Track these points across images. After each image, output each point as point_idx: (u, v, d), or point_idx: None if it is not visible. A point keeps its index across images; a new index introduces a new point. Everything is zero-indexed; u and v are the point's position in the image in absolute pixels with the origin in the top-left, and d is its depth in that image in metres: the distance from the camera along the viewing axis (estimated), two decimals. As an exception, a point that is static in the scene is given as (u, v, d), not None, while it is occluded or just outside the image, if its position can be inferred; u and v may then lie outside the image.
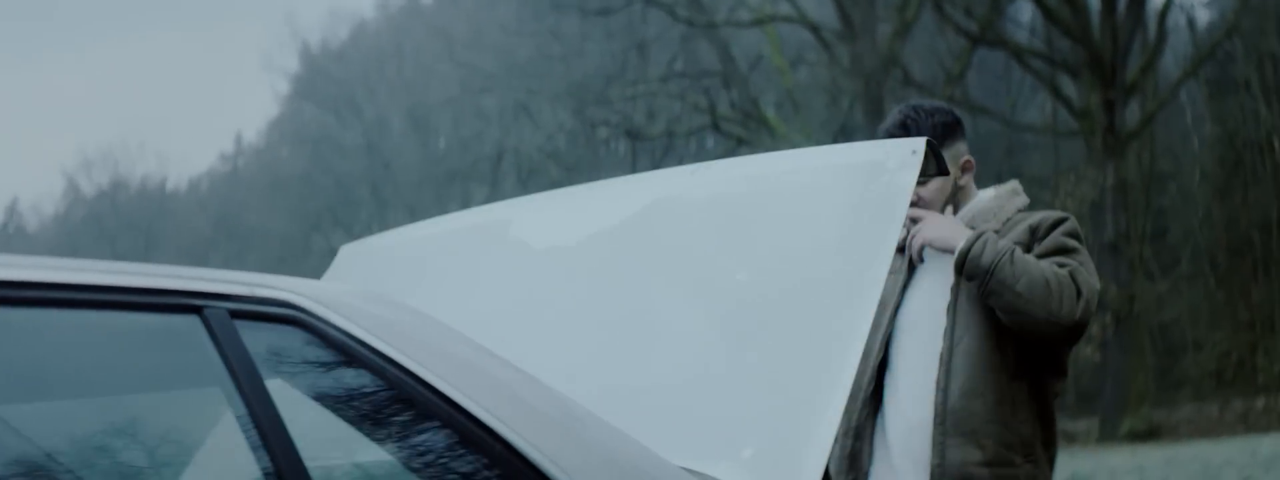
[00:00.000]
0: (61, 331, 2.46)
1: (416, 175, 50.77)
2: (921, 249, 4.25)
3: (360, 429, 2.66)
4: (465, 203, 38.55)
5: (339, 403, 2.69)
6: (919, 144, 3.15)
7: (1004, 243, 4.07)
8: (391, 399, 2.63)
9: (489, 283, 3.65)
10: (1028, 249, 4.14)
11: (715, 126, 38.13)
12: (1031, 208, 4.39)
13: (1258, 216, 29.98)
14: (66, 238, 62.39)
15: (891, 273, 4.25)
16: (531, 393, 2.77)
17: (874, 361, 4.24)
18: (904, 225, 4.24)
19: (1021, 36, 35.12)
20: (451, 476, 2.59)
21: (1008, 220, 4.30)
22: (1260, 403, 28.16)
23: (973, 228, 4.21)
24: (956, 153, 4.33)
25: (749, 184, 3.37)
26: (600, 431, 2.78)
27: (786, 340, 3.01)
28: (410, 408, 2.62)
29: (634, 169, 30.69)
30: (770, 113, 37.54)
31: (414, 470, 2.61)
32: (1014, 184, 4.46)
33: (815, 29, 35.86)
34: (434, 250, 3.93)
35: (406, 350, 2.65)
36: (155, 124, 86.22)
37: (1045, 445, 4.26)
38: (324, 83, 57.90)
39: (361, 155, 54.10)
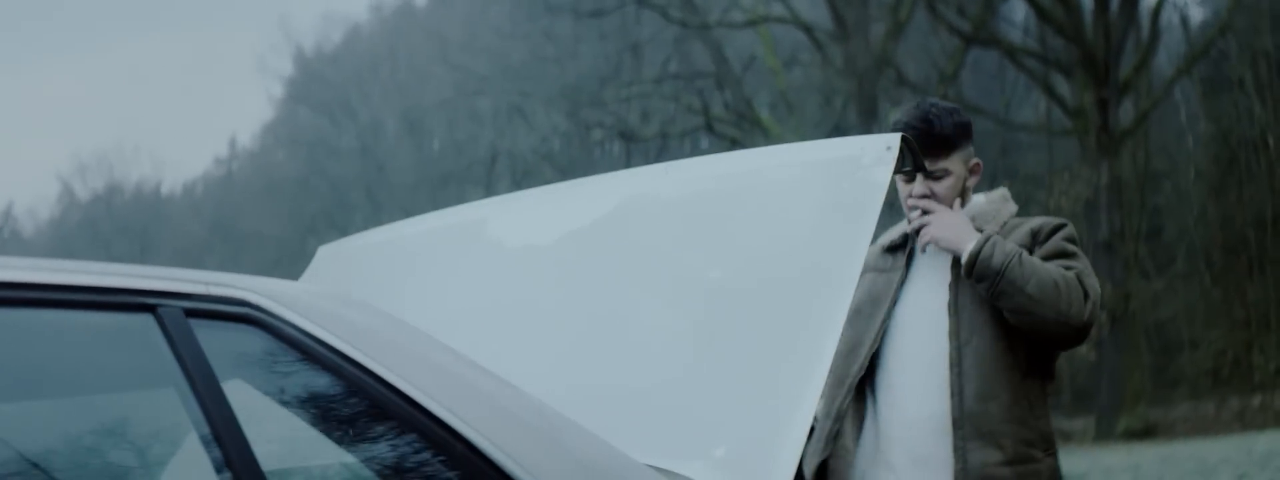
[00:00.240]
0: (9, 331, 2.41)
1: (411, 178, 50.78)
2: (927, 243, 4.28)
3: (319, 431, 2.62)
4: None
5: (297, 404, 2.65)
6: (894, 140, 3.14)
7: (1011, 245, 4.12)
8: (352, 400, 2.59)
9: (464, 282, 3.64)
10: (1029, 252, 4.20)
11: (709, 128, 38.09)
12: (1026, 208, 4.45)
13: (1253, 214, 29.96)
14: (61, 242, 62.39)
15: (889, 270, 4.38)
16: (496, 392, 2.73)
17: (867, 352, 4.28)
18: (910, 218, 4.31)
19: (1015, 36, 35.10)
20: (413, 479, 2.54)
21: (1005, 224, 4.36)
22: (1256, 401, 28.14)
23: (980, 229, 4.25)
24: (967, 155, 4.37)
25: (723, 181, 3.34)
26: (566, 431, 2.75)
27: (759, 338, 2.99)
28: (371, 409, 2.58)
29: (628, 170, 30.67)
30: (764, 114, 37.54)
31: (375, 472, 2.57)
32: (1003, 191, 4.52)
33: (808, 30, 35.83)
34: (411, 250, 3.92)
35: (367, 350, 2.61)
36: (150, 128, 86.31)
37: None
38: (318, 86, 57.95)
39: (356, 158, 54.14)
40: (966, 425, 4.13)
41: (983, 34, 33.25)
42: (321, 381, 2.59)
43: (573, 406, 2.89)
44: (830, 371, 4.33)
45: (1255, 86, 30.69)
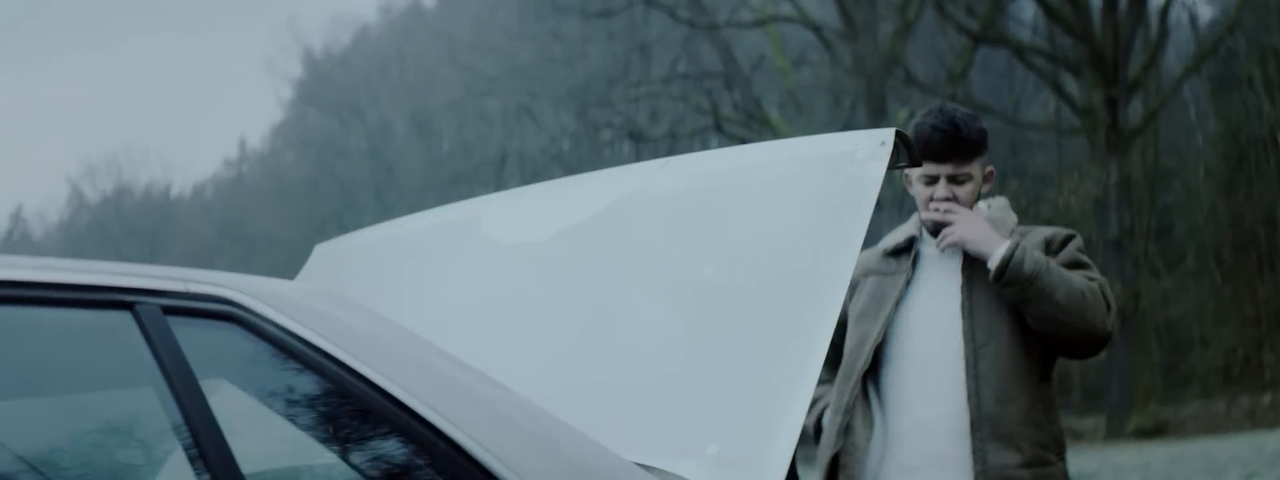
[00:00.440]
0: (-15, 329, 2.37)
1: (420, 179, 50.81)
2: (951, 244, 4.29)
3: (301, 431, 2.58)
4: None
5: (279, 404, 2.61)
6: (888, 135, 3.10)
7: (1037, 252, 4.19)
8: (335, 400, 2.55)
9: (458, 280, 3.62)
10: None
11: (718, 128, 38.08)
12: (1036, 207, 4.53)
13: (1263, 212, 29.97)
14: (71, 244, 62.51)
15: (894, 273, 4.42)
16: (483, 392, 2.70)
17: (871, 348, 4.32)
18: (926, 221, 4.38)
19: (1023, 35, 35.11)
20: (396, 478, 2.51)
21: (1012, 231, 4.40)
22: (1267, 399, 28.13)
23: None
24: (985, 161, 4.41)
25: (717, 178, 3.31)
26: (554, 431, 2.72)
27: (752, 335, 2.95)
28: (355, 409, 2.54)
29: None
30: (773, 113, 37.52)
31: (358, 474, 2.53)
32: (1003, 200, 4.57)
33: (817, 29, 35.87)
34: (406, 248, 3.91)
35: (351, 349, 2.57)
36: (159, 130, 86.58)
37: None
38: (327, 88, 58.02)
39: (365, 160, 54.20)
40: (985, 427, 4.17)
41: (991, 33, 33.26)
42: (304, 381, 2.55)
43: (565, 404, 2.87)
44: (841, 368, 4.42)
45: (1264, 84, 30.71)
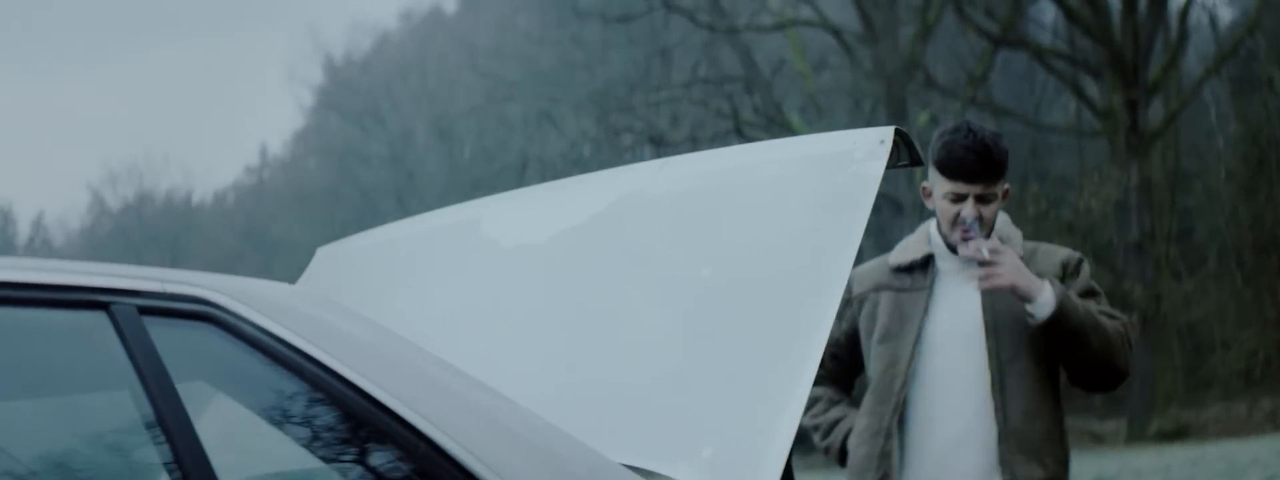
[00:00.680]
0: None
1: (441, 185, 50.76)
2: (996, 288, 4.29)
3: (280, 433, 2.55)
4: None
5: (257, 406, 2.58)
6: (887, 133, 3.09)
7: (1076, 298, 4.27)
8: (314, 401, 2.52)
9: (459, 281, 3.60)
10: (1059, 281, 4.33)
11: (739, 132, 37.98)
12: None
13: (1284, 214, 29.87)
14: (92, 251, 62.40)
15: (912, 289, 4.47)
16: (467, 393, 2.67)
17: (905, 370, 4.37)
18: (954, 237, 4.40)
19: (1043, 37, 35.05)
20: (375, 480, 2.48)
21: (1021, 246, 4.47)
22: (1288, 401, 28.05)
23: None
24: (1005, 180, 4.45)
25: (716, 177, 3.30)
26: (540, 432, 2.69)
27: (748, 336, 2.94)
28: (335, 411, 2.50)
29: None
30: (794, 117, 37.46)
31: (337, 476, 2.51)
32: (1005, 216, 4.58)
33: (837, 33, 35.81)
34: (407, 250, 3.88)
35: (331, 349, 2.53)
36: (180, 137, 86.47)
37: None
38: (348, 94, 57.98)
39: (386, 166, 54.17)
40: (1011, 441, 4.26)
41: (1011, 36, 33.18)
42: (283, 382, 2.51)
43: (560, 406, 2.86)
44: (871, 390, 4.46)
45: (1285, 86, 30.58)
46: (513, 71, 47.33)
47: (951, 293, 4.42)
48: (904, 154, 3.15)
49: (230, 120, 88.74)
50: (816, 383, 4.57)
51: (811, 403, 4.63)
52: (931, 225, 4.55)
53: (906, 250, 4.54)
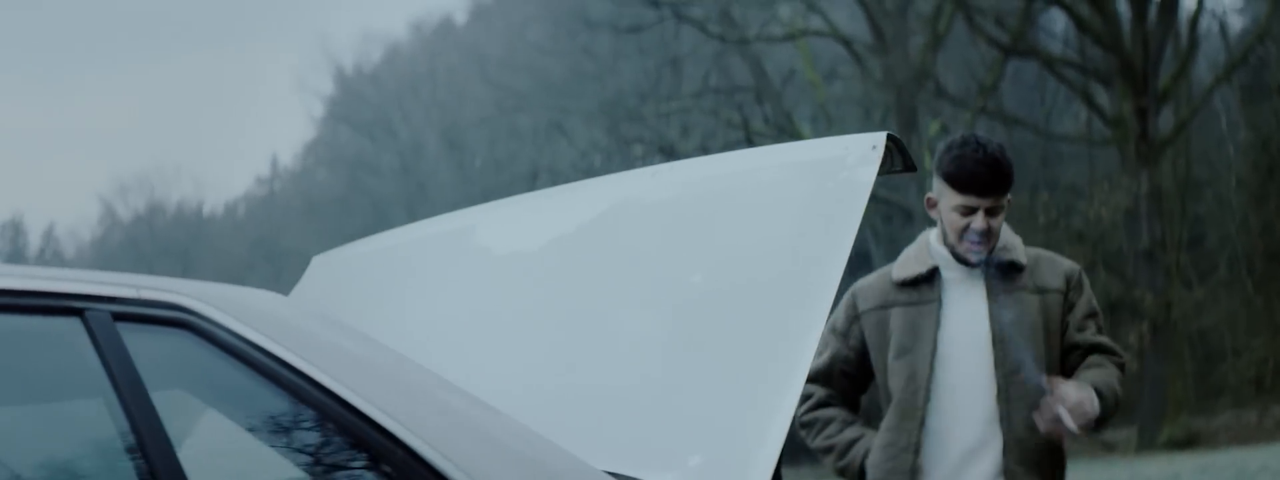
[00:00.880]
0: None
1: (452, 196, 50.72)
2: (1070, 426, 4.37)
3: (257, 441, 2.53)
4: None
5: (232, 411, 2.57)
6: (879, 139, 3.10)
7: (1105, 388, 4.43)
8: (291, 408, 2.50)
9: (454, 288, 3.59)
10: (1063, 295, 4.50)
11: (749, 142, 37.90)
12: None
13: (1295, 222, 29.81)
14: (103, 262, 62.40)
15: (920, 303, 4.52)
16: (448, 400, 2.66)
17: (925, 383, 4.45)
18: (960, 248, 4.49)
19: (1054, 46, 35.00)
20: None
21: (1023, 254, 4.55)
22: (1299, 409, 27.99)
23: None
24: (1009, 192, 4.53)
25: (709, 184, 3.30)
26: (520, 439, 2.68)
27: (737, 344, 2.93)
28: (312, 418, 2.49)
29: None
30: (804, 127, 37.42)
31: None
32: (1005, 224, 4.64)
33: (847, 43, 35.80)
34: (402, 258, 3.86)
35: (308, 356, 2.51)
36: (191, 148, 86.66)
37: None
38: (358, 105, 58.01)
39: (397, 177, 54.18)
40: (1014, 452, 4.36)
41: (1021, 45, 33.12)
42: (258, 389, 2.49)
43: (549, 412, 2.86)
44: (893, 406, 4.52)
45: (1295, 93, 30.52)
46: (523, 82, 47.30)
47: (959, 303, 4.48)
48: (897, 160, 3.15)
49: (241, 131, 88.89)
50: (827, 403, 4.63)
51: (826, 423, 4.65)
52: (932, 236, 4.57)
53: (909, 264, 4.58)
